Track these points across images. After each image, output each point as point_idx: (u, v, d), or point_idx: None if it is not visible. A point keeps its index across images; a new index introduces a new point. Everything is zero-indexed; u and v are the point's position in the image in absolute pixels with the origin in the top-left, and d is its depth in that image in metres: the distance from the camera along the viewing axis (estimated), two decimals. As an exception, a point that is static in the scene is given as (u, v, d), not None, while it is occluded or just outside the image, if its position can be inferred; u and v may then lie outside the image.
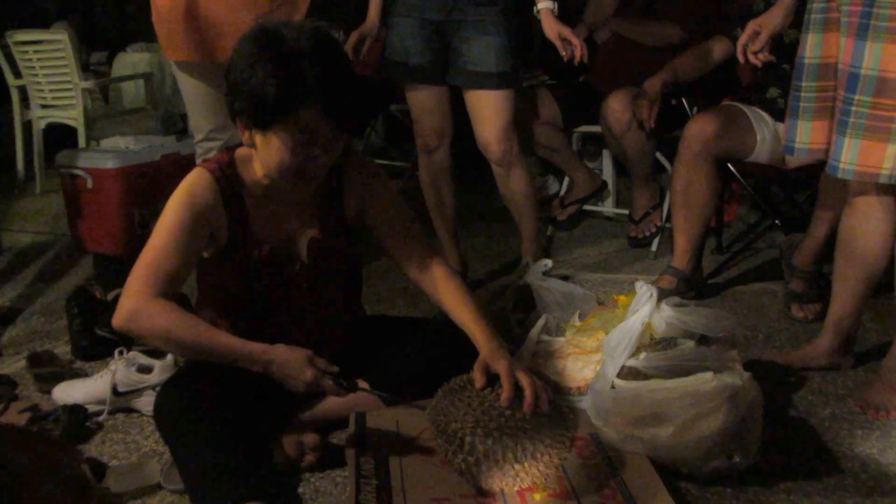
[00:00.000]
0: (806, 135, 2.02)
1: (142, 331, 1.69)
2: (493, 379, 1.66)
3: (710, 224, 2.87)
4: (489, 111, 2.62)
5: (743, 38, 2.27)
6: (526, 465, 1.58)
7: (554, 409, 1.67)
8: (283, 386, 1.68)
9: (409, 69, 2.66)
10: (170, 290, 1.70)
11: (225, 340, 1.69)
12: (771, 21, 2.22)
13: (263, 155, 1.72)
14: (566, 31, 2.48)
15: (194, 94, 2.57)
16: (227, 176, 1.79)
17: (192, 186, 1.76)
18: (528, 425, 1.59)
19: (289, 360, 1.67)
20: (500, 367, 1.66)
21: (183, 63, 2.49)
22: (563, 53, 2.51)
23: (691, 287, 2.73)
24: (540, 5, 2.52)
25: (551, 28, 2.50)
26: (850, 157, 1.89)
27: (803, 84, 2.01)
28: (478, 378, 1.65)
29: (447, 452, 1.60)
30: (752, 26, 2.24)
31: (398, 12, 2.64)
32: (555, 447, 1.61)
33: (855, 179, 1.93)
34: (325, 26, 1.69)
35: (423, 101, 2.73)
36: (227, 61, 1.72)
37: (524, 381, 1.63)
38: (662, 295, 2.64)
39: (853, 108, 1.88)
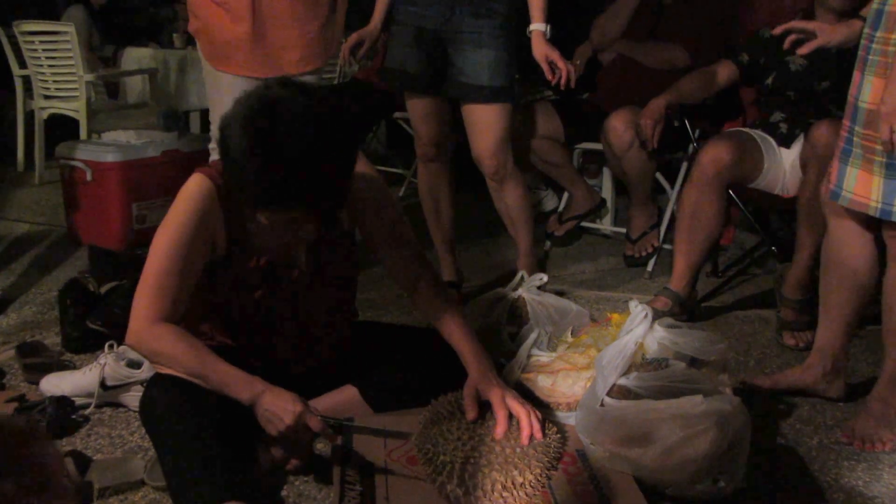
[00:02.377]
0: (852, 182, 1.96)
1: (147, 353, 1.76)
2: (483, 406, 1.66)
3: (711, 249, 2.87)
4: (482, 125, 2.62)
5: (795, 24, 2.19)
6: (515, 492, 1.58)
7: (547, 436, 1.69)
8: (262, 425, 1.66)
9: (405, 78, 2.67)
10: (174, 309, 1.70)
11: (221, 368, 1.68)
12: (831, 34, 2.14)
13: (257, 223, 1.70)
14: (554, 55, 2.49)
15: (230, 101, 2.56)
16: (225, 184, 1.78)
17: (193, 196, 1.73)
18: (517, 457, 1.60)
19: (279, 395, 1.65)
20: (493, 395, 1.67)
21: (238, 78, 2.47)
22: (550, 77, 2.52)
23: (685, 310, 2.73)
24: (531, 27, 2.53)
25: (539, 50, 2.51)
26: (849, 185, 1.93)
27: (862, 132, 1.94)
28: (469, 408, 1.67)
29: (435, 481, 1.60)
30: (815, 25, 2.17)
31: (398, 21, 2.66)
32: (543, 472, 1.63)
33: (850, 207, 1.95)
34: (330, 101, 1.60)
35: (421, 111, 2.73)
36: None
37: (519, 411, 1.65)
38: (656, 316, 2.66)
39: (854, 139, 1.92)
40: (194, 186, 1.74)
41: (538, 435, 1.64)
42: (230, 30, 2.45)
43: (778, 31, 2.22)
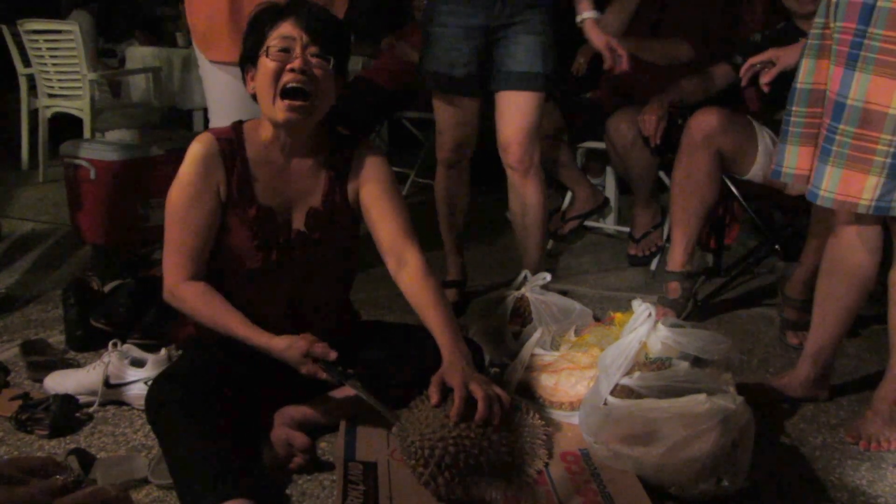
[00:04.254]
0: (793, 159, 2.01)
1: (178, 308, 1.88)
2: (448, 394, 1.70)
3: (709, 216, 2.88)
4: (515, 109, 2.58)
5: (754, 59, 2.27)
6: (484, 479, 1.61)
7: (522, 422, 1.72)
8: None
9: (453, 81, 2.62)
10: (198, 263, 1.86)
11: (239, 330, 1.80)
12: (788, 57, 2.22)
13: (259, 89, 1.85)
14: (614, 42, 2.47)
15: (223, 95, 2.55)
16: (230, 139, 1.89)
17: (195, 152, 1.86)
18: (478, 439, 1.62)
19: (285, 355, 1.75)
20: (454, 380, 1.70)
21: (221, 64, 2.47)
22: (609, 65, 2.49)
23: (700, 275, 2.75)
24: (584, 14, 2.49)
25: (599, 38, 2.49)
26: (831, 185, 1.88)
27: (794, 109, 2.00)
28: (433, 393, 1.70)
29: (411, 467, 1.64)
30: (770, 54, 2.25)
31: (439, 22, 2.58)
32: (509, 456, 1.65)
33: (834, 208, 1.92)
34: None
35: (455, 115, 2.69)
36: None
37: (478, 393, 1.66)
38: (671, 304, 2.66)
39: (837, 137, 1.86)
40: (197, 143, 1.88)
41: (495, 419, 1.65)
42: (210, 15, 2.45)
43: (745, 83, 2.40)
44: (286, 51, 1.82)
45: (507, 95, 2.59)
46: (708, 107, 2.77)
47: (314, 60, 1.83)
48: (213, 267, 1.90)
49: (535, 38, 2.53)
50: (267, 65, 1.82)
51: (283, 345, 1.75)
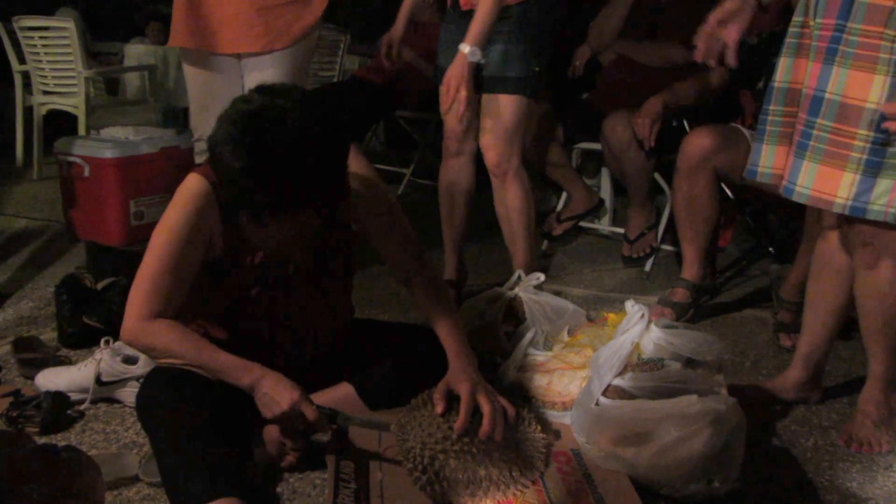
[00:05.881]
0: (770, 159, 1.99)
1: (141, 348, 1.79)
2: (453, 402, 1.70)
3: (717, 227, 2.90)
4: (490, 114, 2.60)
5: (703, 35, 2.09)
6: (482, 489, 1.62)
7: (524, 436, 1.72)
8: (261, 410, 1.68)
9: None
10: (169, 306, 1.71)
11: (219, 357, 1.70)
12: (740, 21, 1.92)
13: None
14: (454, 82, 2.46)
15: (192, 87, 2.56)
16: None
17: (189, 197, 1.72)
18: (479, 452, 1.63)
19: (278, 382, 1.67)
20: (462, 390, 1.69)
21: (184, 51, 2.48)
22: (442, 101, 2.55)
23: (704, 293, 2.77)
24: (460, 46, 2.47)
25: (453, 73, 2.47)
26: (807, 180, 1.86)
27: (771, 108, 1.99)
28: (437, 401, 1.69)
29: (408, 469, 1.64)
30: (714, 17, 2.05)
31: (446, 20, 2.69)
32: (508, 469, 1.65)
33: (809, 204, 1.90)
34: (316, 110, 1.58)
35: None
36: (226, 55, 1.71)
37: (485, 408, 1.67)
38: (673, 306, 2.67)
39: (814, 132, 1.84)
40: (191, 187, 1.73)
41: (497, 436, 1.66)
42: (175, 5, 2.47)
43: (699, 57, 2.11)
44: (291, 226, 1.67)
45: (484, 99, 2.62)
46: (700, 128, 2.79)
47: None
48: (210, 308, 1.85)
49: (503, 46, 2.54)
50: (268, 232, 1.68)
51: (273, 382, 1.67)
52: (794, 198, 1.90)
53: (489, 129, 2.62)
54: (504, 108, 2.59)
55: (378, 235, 1.93)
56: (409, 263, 1.95)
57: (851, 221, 1.87)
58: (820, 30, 1.85)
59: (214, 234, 1.76)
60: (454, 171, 2.81)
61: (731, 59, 1.89)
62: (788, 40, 1.96)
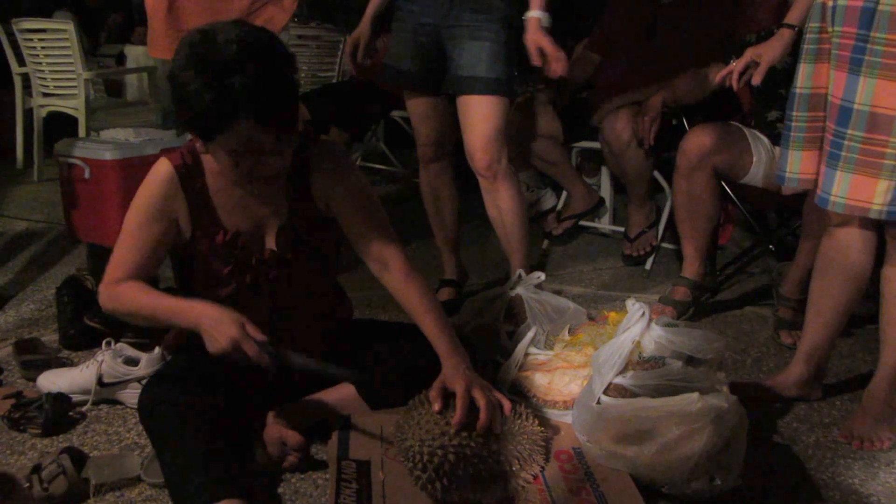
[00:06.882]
0: (797, 164, 2.02)
1: (115, 311, 1.81)
2: (450, 399, 1.70)
3: (717, 225, 2.92)
4: (475, 117, 2.56)
5: (739, 66, 2.26)
6: (482, 484, 1.62)
7: (521, 429, 1.72)
8: (206, 346, 1.66)
9: (402, 75, 2.66)
10: (134, 277, 1.78)
11: (167, 302, 1.76)
12: (770, 52, 2.20)
13: (216, 161, 1.72)
14: (544, 42, 2.42)
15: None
16: (189, 165, 1.80)
17: (153, 180, 1.81)
18: (478, 447, 1.63)
19: (219, 319, 1.65)
20: (457, 386, 1.70)
21: (166, 63, 2.49)
22: (536, 62, 2.45)
23: (705, 292, 2.79)
24: (527, 13, 2.45)
25: (531, 38, 2.44)
26: (842, 190, 1.88)
27: (795, 114, 2.01)
28: (434, 399, 1.70)
29: (408, 469, 1.64)
30: (750, 54, 2.23)
31: (397, 18, 2.65)
32: (509, 464, 1.66)
33: (846, 213, 1.92)
34: (259, 30, 1.67)
35: (420, 110, 2.72)
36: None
37: (480, 402, 1.67)
38: (674, 304, 2.68)
39: (845, 143, 1.86)
40: (156, 171, 1.82)
41: (495, 429, 1.67)
42: (154, 16, 2.51)
43: (736, 87, 2.30)
44: (250, 151, 1.65)
45: (463, 101, 2.58)
46: (699, 126, 2.79)
47: (284, 147, 1.70)
48: (190, 292, 1.87)
49: (481, 44, 2.51)
50: (228, 162, 1.67)
51: (215, 312, 1.66)
52: (830, 207, 1.92)
53: (477, 131, 2.56)
54: (491, 110, 2.55)
55: (346, 217, 1.90)
56: (381, 248, 1.89)
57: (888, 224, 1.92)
58: (840, 38, 1.87)
59: (181, 216, 1.81)
60: (433, 176, 2.83)
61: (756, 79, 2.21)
62: (806, 46, 1.98)
